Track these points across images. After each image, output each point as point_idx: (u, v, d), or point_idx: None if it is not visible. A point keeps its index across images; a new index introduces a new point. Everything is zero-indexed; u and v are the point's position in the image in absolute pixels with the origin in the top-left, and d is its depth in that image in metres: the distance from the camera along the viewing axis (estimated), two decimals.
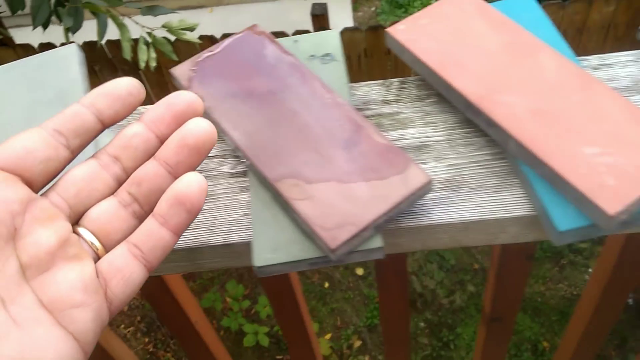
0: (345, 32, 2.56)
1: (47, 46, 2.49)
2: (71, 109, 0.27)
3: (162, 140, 0.28)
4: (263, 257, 0.41)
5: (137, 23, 1.71)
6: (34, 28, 1.71)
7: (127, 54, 1.74)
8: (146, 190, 0.28)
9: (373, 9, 4.22)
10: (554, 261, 2.68)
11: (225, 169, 0.48)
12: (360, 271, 2.67)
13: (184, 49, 2.50)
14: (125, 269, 0.26)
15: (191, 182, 0.26)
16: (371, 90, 0.50)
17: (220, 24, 4.07)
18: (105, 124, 0.28)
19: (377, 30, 2.53)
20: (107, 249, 0.27)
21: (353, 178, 0.42)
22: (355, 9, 4.22)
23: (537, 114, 0.42)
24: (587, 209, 0.39)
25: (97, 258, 0.27)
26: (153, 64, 1.78)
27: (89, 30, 1.74)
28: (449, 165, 0.45)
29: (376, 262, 0.65)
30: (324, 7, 2.80)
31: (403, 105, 0.49)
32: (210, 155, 0.49)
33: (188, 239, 0.44)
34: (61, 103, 0.49)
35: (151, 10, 1.70)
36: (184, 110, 0.28)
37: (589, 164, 0.40)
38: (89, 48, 2.54)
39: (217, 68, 0.50)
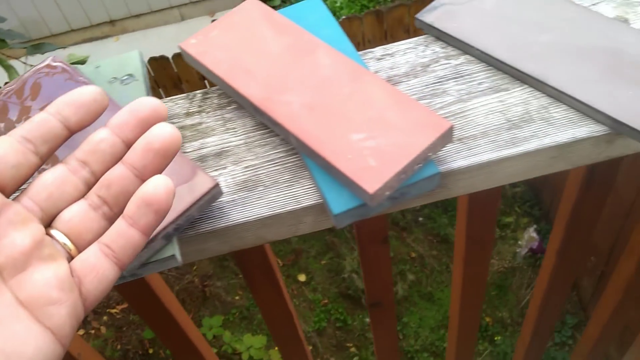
0: None
1: None
2: (38, 116, 0.29)
3: (128, 145, 0.30)
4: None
5: (24, 63, 1.68)
6: None
7: None
8: (115, 193, 0.29)
9: None
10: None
11: None
12: (302, 277, 2.68)
13: None
14: (98, 267, 0.28)
15: (158, 185, 0.28)
16: (176, 104, 0.52)
17: (127, 52, 4.01)
18: (71, 130, 0.29)
19: None
20: (80, 249, 0.29)
21: None
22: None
23: (312, 108, 0.45)
24: (355, 190, 0.42)
25: (70, 258, 0.29)
26: None
27: None
28: (246, 167, 0.47)
29: (242, 260, 0.66)
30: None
31: (205, 115, 0.51)
32: None
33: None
34: None
35: (38, 48, 1.67)
36: (148, 116, 0.29)
37: (355, 149, 0.42)
38: None
39: (17, 103, 0.50)
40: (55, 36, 4.27)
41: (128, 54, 0.54)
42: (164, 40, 4.23)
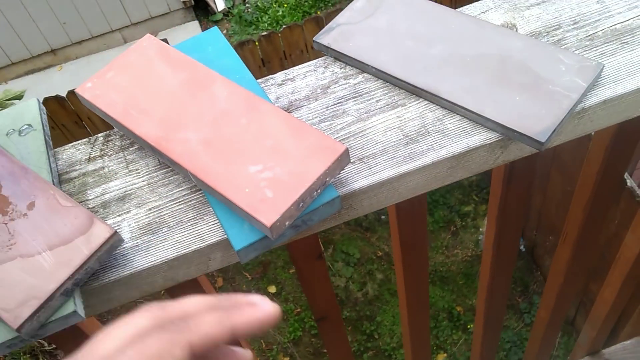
0: None
1: None
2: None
3: None
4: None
5: None
6: None
7: None
8: None
9: (224, 31, 4.25)
10: (447, 230, 2.82)
11: None
12: (272, 289, 2.67)
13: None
14: None
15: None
16: (77, 150, 0.51)
17: (71, 80, 3.95)
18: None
19: None
20: None
21: (38, 249, 0.42)
22: None
23: (209, 144, 0.45)
24: (255, 223, 0.42)
25: None
26: None
27: None
28: (149, 209, 0.46)
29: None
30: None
31: (107, 159, 0.50)
32: None
33: None
34: None
35: None
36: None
37: (253, 181, 0.42)
38: None
39: None
40: None
41: (26, 103, 0.52)
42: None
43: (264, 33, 2.90)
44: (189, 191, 0.47)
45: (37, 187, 0.45)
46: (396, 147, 0.46)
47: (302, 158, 0.43)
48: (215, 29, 0.54)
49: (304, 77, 0.52)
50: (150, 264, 0.44)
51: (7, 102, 1.76)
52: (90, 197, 0.48)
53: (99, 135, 0.52)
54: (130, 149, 0.50)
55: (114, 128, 0.52)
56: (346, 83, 0.50)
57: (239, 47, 2.92)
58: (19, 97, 1.79)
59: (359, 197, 0.45)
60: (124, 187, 0.48)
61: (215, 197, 0.44)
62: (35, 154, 0.49)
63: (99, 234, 0.42)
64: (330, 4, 4.26)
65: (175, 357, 0.26)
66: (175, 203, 0.46)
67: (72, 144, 0.51)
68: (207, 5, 4.35)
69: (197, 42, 0.53)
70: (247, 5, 4.40)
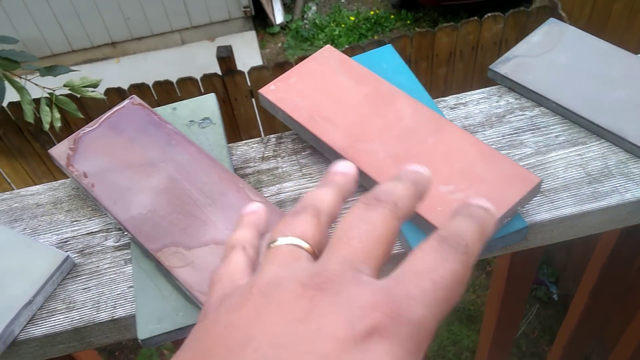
0: (252, 71, 2.64)
1: None
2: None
3: None
4: (147, 328, 0.41)
5: (37, 85, 1.68)
6: None
7: (30, 117, 1.70)
8: None
9: (280, 44, 4.33)
10: (481, 269, 2.78)
11: (110, 242, 0.48)
12: None
13: (92, 103, 2.47)
14: None
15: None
16: (250, 148, 0.52)
17: (127, 74, 4.06)
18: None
19: (284, 67, 2.64)
20: None
21: None
22: (262, 46, 4.33)
23: (397, 158, 0.46)
24: None
25: None
26: (58, 124, 1.75)
27: None
28: None
29: None
30: (229, 49, 2.86)
31: (281, 160, 0.51)
32: (94, 230, 0.49)
33: (73, 319, 0.44)
34: None
35: (50, 70, 1.68)
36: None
37: (445, 201, 0.43)
38: None
39: (97, 144, 0.50)
40: (56, 56, 4.26)
41: (204, 98, 0.54)
42: (163, 64, 4.25)
43: None
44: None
45: (226, 179, 0.47)
46: (579, 184, 0.46)
47: (495, 184, 0.43)
48: (389, 47, 0.56)
49: (477, 103, 0.53)
50: None
51: (83, 88, 1.82)
52: (265, 195, 0.49)
53: (271, 136, 0.53)
54: (303, 153, 0.52)
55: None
56: (522, 114, 0.51)
57: (299, 62, 2.95)
58: (95, 85, 1.85)
59: (535, 230, 0.46)
60: (298, 190, 0.49)
61: None
62: (216, 147, 0.51)
63: None
64: (387, 29, 4.30)
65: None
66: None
67: (244, 141, 0.53)
68: (266, 17, 4.44)
69: (371, 57, 0.55)
70: (305, 21, 4.48)
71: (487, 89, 0.53)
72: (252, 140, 0.53)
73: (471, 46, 2.87)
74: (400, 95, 0.49)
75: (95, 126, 0.51)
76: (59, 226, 0.49)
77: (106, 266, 0.46)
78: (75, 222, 0.49)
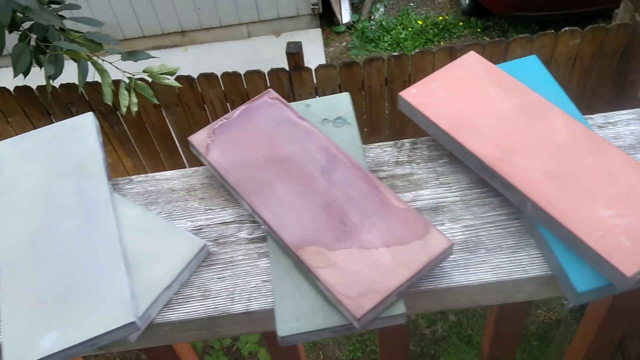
0: (320, 69, 2.64)
1: (24, 89, 2.50)
2: None
3: None
4: (287, 326, 0.41)
5: (117, 68, 1.73)
6: (15, 76, 1.72)
7: (109, 99, 1.76)
8: None
9: (344, 44, 4.32)
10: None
11: (243, 234, 0.48)
12: None
13: (162, 90, 2.53)
14: None
15: None
16: (383, 151, 0.52)
17: (194, 63, 4.14)
18: None
19: (351, 67, 2.62)
20: None
21: (374, 244, 0.42)
22: (326, 44, 4.33)
23: (552, 176, 0.44)
24: (604, 270, 0.40)
25: None
26: (135, 108, 1.79)
27: (65, 72, 1.75)
28: (465, 227, 0.46)
29: None
30: (298, 45, 2.87)
31: (416, 166, 0.50)
32: (227, 220, 0.49)
33: (209, 308, 0.44)
34: (79, 173, 0.49)
35: (132, 55, 1.72)
36: None
37: (605, 226, 0.41)
38: (66, 90, 2.56)
39: (235, 135, 0.50)
40: (127, 40, 4.40)
41: (338, 96, 0.54)
42: (229, 55, 4.33)
43: (395, 53, 2.91)
44: (506, 217, 0.46)
45: (367, 182, 0.46)
46: None
47: None
48: (534, 57, 0.54)
49: (627, 123, 0.50)
50: (467, 282, 0.43)
51: (161, 75, 1.86)
52: None
53: (405, 141, 0.52)
54: (440, 161, 0.50)
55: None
56: None
57: (367, 62, 2.95)
58: (172, 72, 1.89)
59: None
60: (435, 198, 0.48)
61: (553, 232, 0.43)
62: (351, 148, 0.50)
63: (437, 242, 0.42)
64: (455, 36, 4.23)
65: None
66: (492, 226, 0.46)
67: (377, 144, 0.52)
68: (333, 15, 4.44)
69: (515, 67, 0.53)
70: (371, 22, 4.45)
71: (638, 109, 0.51)
72: (385, 143, 0.52)
73: (545, 60, 2.78)
74: (553, 109, 0.47)
75: (232, 117, 0.52)
76: (193, 213, 0.50)
77: (240, 258, 0.47)
78: (208, 211, 0.50)
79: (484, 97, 0.49)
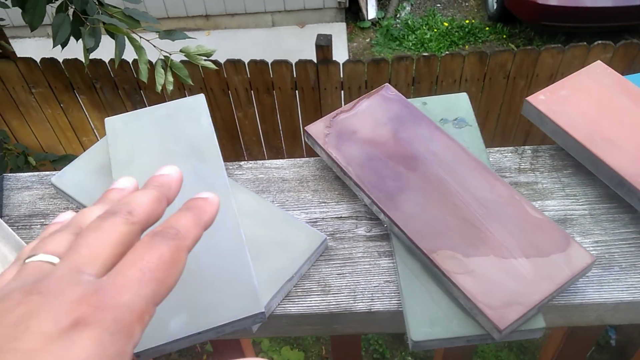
0: (347, 64, 2.63)
1: (50, 61, 2.48)
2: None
3: None
4: (421, 331, 0.40)
5: (155, 46, 1.71)
6: (54, 46, 1.70)
7: (144, 76, 1.74)
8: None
9: (368, 40, 4.30)
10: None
11: (361, 231, 0.47)
12: None
13: (190, 71, 2.53)
14: None
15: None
16: (504, 157, 0.50)
17: (216, 48, 4.11)
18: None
19: (379, 64, 2.60)
20: None
21: (513, 253, 0.41)
22: (350, 39, 4.31)
23: None
24: None
25: None
26: (170, 87, 1.78)
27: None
28: (596, 242, 0.45)
29: None
30: (328, 38, 2.85)
31: (539, 174, 0.49)
32: (343, 215, 0.48)
33: (330, 304, 0.43)
34: (196, 156, 0.48)
35: (169, 34, 1.70)
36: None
37: None
38: (91, 65, 2.54)
39: (353, 128, 0.49)
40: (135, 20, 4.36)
41: (455, 96, 0.52)
42: (251, 43, 4.30)
43: (425, 54, 2.89)
44: (639, 235, 0.45)
45: (499, 187, 0.44)
46: None
47: None
48: None
49: None
50: (601, 300, 0.42)
51: (197, 56, 1.84)
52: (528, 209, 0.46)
53: (526, 147, 0.51)
54: (564, 171, 0.49)
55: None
56: None
57: (396, 60, 2.93)
58: (209, 54, 1.87)
59: None
60: (563, 210, 0.46)
61: None
62: (474, 151, 0.48)
63: (580, 257, 0.40)
64: (480, 40, 4.20)
65: (183, 264, 0.25)
66: (625, 243, 0.44)
67: (496, 149, 0.51)
68: (358, 11, 4.41)
69: None
70: (397, 20, 4.43)
71: None
72: (505, 148, 0.51)
73: (574, 72, 2.76)
74: None
75: (350, 109, 0.50)
76: (307, 205, 0.48)
77: (359, 255, 0.45)
78: (322, 204, 0.48)
79: (615, 109, 0.47)
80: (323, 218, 0.47)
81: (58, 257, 0.25)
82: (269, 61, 2.76)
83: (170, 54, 1.81)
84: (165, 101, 2.05)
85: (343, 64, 2.66)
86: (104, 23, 1.73)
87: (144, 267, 0.24)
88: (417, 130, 0.48)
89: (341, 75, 2.71)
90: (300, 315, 0.43)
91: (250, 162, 0.52)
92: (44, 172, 0.52)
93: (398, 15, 4.45)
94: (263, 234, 0.45)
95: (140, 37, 1.84)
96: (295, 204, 0.48)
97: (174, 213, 0.28)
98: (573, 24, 3.82)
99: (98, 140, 2.38)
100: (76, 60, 2.54)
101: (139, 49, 1.77)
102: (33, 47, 3.85)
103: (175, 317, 0.39)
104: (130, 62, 2.58)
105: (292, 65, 2.73)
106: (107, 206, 0.28)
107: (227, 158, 3.47)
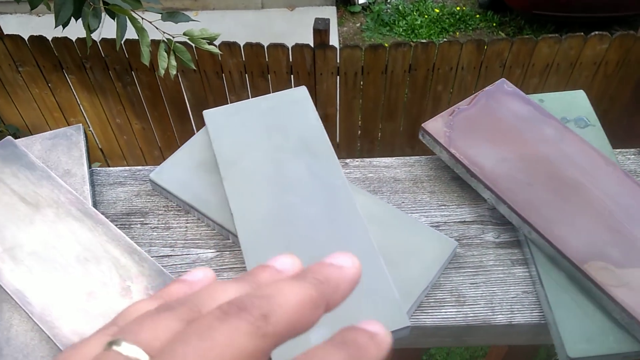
0: (344, 50, 2.60)
1: (38, 39, 2.38)
2: None
3: None
4: (578, 347, 0.37)
5: (157, 28, 1.64)
6: (56, 26, 1.61)
7: (146, 59, 1.67)
8: None
9: (358, 25, 4.25)
10: None
11: (489, 237, 0.44)
12: None
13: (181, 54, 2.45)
14: None
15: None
16: (627, 159, 0.48)
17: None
18: None
19: (377, 50, 2.58)
20: None
21: None
22: (340, 24, 4.25)
23: None
24: None
25: None
26: (173, 71, 1.72)
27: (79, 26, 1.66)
28: None
29: None
30: (326, 22, 2.80)
31: None
32: (467, 220, 0.45)
33: (467, 315, 0.40)
34: (307, 152, 0.44)
35: (172, 16, 1.64)
36: None
37: None
38: (81, 44, 2.44)
39: (474, 126, 0.46)
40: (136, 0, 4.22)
41: (573, 93, 0.50)
42: (240, 25, 4.19)
43: (423, 40, 2.87)
44: None
45: (636, 190, 0.42)
46: None
47: None
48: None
49: None
50: None
51: (201, 40, 1.78)
52: None
53: None
54: None
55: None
56: None
57: (394, 47, 2.90)
58: (213, 38, 1.80)
59: None
60: None
61: None
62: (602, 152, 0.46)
63: None
64: (470, 28, 4.20)
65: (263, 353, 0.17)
66: None
67: (618, 150, 0.48)
68: None
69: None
70: (387, 5, 4.38)
71: None
72: (627, 150, 0.48)
73: (570, 62, 2.79)
74: None
75: (468, 106, 0.47)
76: (425, 207, 0.45)
77: (490, 263, 0.43)
78: (442, 207, 0.45)
79: None
80: (445, 222, 0.45)
81: (149, 355, 0.18)
82: (264, 44, 2.69)
83: (173, 37, 1.74)
84: (159, 84, 1.99)
85: (340, 49, 2.62)
86: (106, 3, 1.65)
87: None
88: (545, 130, 0.45)
89: (337, 61, 2.67)
90: (435, 328, 0.40)
91: (357, 159, 0.48)
92: (135, 167, 0.47)
93: (389, 1, 4.40)
94: (390, 240, 0.42)
95: (143, 19, 1.76)
96: (412, 207, 0.45)
97: (324, 344, 0.19)
98: (563, 13, 3.85)
99: (87, 121, 2.29)
100: (66, 39, 2.43)
101: (140, 30, 1.69)
102: (14, 23, 3.67)
103: (314, 331, 0.36)
104: (122, 43, 2.48)
105: (288, 49, 2.67)
106: (250, 289, 0.19)
107: None
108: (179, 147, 0.46)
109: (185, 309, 0.19)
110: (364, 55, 2.63)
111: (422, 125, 0.46)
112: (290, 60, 2.73)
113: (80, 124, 0.48)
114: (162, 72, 1.74)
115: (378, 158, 0.48)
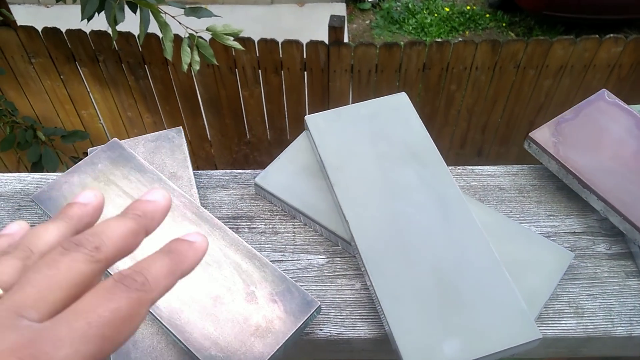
0: (359, 47, 2.60)
1: (52, 31, 2.36)
2: None
3: None
4: None
5: (180, 24, 1.64)
6: (82, 20, 1.60)
7: (169, 54, 1.66)
8: None
9: (367, 22, 4.24)
10: None
11: (601, 248, 0.44)
12: None
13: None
14: None
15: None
16: None
17: (212, 22, 3.97)
18: None
19: (391, 48, 2.58)
20: None
21: None
22: (349, 21, 4.24)
23: None
24: None
25: None
26: (197, 67, 1.71)
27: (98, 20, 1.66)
28: None
29: None
30: (342, 19, 2.79)
31: None
32: (577, 231, 0.45)
33: (587, 327, 0.40)
34: (415, 160, 0.44)
35: (195, 12, 1.63)
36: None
37: None
38: (95, 37, 2.43)
39: (580, 136, 0.46)
40: None
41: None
42: (248, 20, 4.17)
43: (438, 40, 2.87)
44: None
45: None
46: None
47: None
48: None
49: None
50: None
51: (224, 36, 1.77)
52: None
53: None
54: None
55: None
56: None
57: (409, 45, 2.90)
58: (236, 34, 1.79)
59: None
60: None
61: None
62: None
63: None
64: (480, 27, 4.20)
65: (142, 318, 0.22)
66: None
67: None
68: None
69: None
70: (397, 3, 4.37)
71: None
72: None
73: (584, 64, 2.80)
74: None
75: (572, 116, 0.47)
76: (534, 218, 0.45)
77: (605, 274, 0.43)
78: (551, 217, 0.45)
79: None
80: (555, 233, 0.44)
81: (2, 289, 0.22)
82: (279, 40, 2.68)
83: (196, 32, 1.73)
84: (172, 78, 1.99)
85: (355, 46, 2.62)
86: None
87: (93, 321, 0.20)
88: None
89: (352, 58, 2.66)
90: (555, 339, 0.40)
91: (459, 167, 0.48)
92: (236, 171, 0.47)
93: None
94: (506, 250, 0.41)
95: (165, 13, 1.75)
96: (520, 216, 0.45)
97: (150, 255, 0.24)
98: (574, 14, 3.85)
99: (98, 114, 2.27)
100: (80, 31, 2.42)
101: (164, 25, 1.68)
102: (23, 13, 3.64)
103: (447, 341, 0.36)
104: (137, 36, 2.47)
105: (302, 45, 2.67)
106: (65, 224, 0.25)
107: (230, 138, 3.36)
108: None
109: (19, 251, 0.23)
110: (378, 53, 2.63)
111: (529, 134, 0.46)
112: (304, 56, 2.72)
113: (180, 127, 0.48)
114: (185, 67, 1.73)
115: (480, 166, 0.48)
